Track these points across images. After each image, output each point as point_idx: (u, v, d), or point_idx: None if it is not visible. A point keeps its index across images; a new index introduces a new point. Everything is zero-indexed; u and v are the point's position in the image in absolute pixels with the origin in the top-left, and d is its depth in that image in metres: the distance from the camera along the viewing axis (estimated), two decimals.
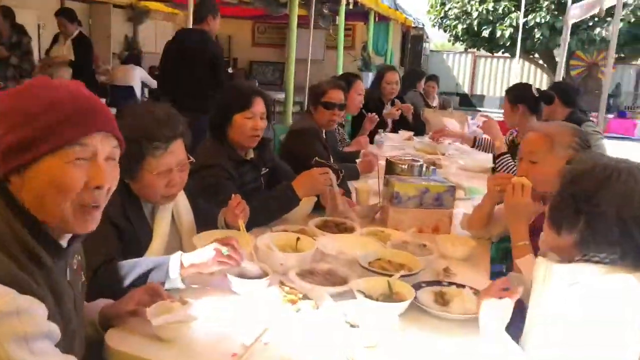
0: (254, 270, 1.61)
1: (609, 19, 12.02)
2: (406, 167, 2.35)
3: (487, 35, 12.53)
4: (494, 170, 3.64)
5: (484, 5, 12.42)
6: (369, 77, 10.62)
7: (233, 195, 1.87)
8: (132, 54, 8.54)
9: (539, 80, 17.48)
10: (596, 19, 11.84)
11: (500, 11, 12.31)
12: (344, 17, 8.41)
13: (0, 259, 0.93)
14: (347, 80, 3.37)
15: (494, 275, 1.86)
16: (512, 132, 4.30)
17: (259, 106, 2.31)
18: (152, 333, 1.31)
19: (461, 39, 13.22)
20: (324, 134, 3.12)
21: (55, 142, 0.99)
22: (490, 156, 4.06)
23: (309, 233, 2.04)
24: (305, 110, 3.18)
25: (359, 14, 10.22)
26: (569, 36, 6.85)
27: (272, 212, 2.12)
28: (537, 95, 3.24)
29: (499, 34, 12.34)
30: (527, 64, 15.37)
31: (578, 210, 1.23)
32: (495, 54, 14.83)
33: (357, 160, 3.21)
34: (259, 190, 2.45)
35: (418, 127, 4.82)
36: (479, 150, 3.93)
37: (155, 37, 10.74)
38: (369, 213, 2.34)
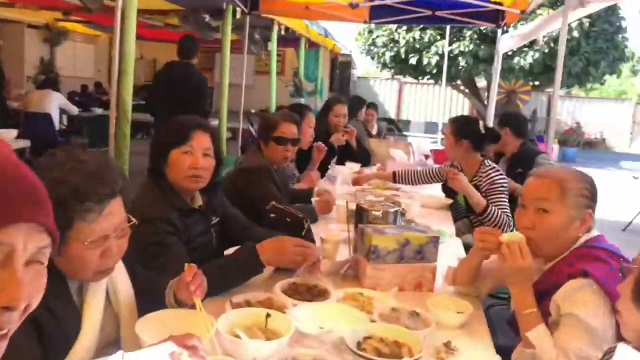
0: None
1: (525, 49, 12.71)
2: (380, 214, 2.05)
3: (414, 63, 12.76)
4: (453, 206, 3.45)
5: (411, 34, 12.67)
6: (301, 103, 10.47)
7: (186, 265, 1.47)
8: (48, 78, 7.80)
9: (462, 106, 18.17)
10: (514, 49, 12.44)
11: (426, 40, 12.60)
12: (276, 42, 8.18)
13: None
14: (299, 112, 3.05)
15: (503, 351, 1.58)
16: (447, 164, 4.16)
17: (200, 140, 1.93)
18: None
19: (389, 66, 13.39)
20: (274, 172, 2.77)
21: None
22: (434, 187, 3.88)
23: (276, 302, 1.67)
24: (254, 145, 2.83)
25: (290, 40, 10.07)
26: (500, 64, 6.96)
27: (229, 281, 1.73)
28: (483, 132, 3.10)
29: (425, 61, 12.60)
30: (451, 90, 15.87)
31: None
32: (420, 81, 15.19)
33: (313, 200, 2.88)
34: (210, 244, 2.06)
35: (363, 157, 4.58)
36: (401, 183, 3.69)
37: (74, 59, 9.98)
38: (339, 269, 2.01)
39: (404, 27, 12.65)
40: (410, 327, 1.55)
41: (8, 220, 0.64)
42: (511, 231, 2.94)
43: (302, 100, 10.24)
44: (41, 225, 0.68)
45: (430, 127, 16.64)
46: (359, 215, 2.09)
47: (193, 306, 1.49)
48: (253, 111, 7.36)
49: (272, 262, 1.78)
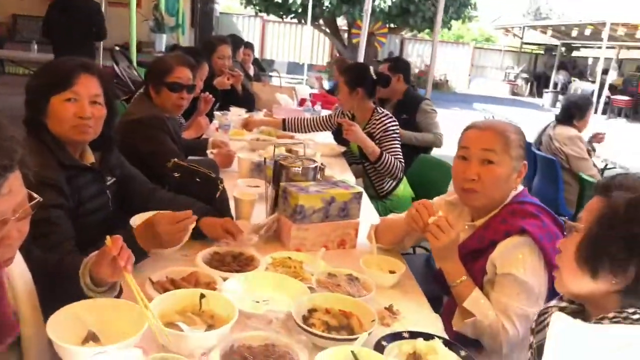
0: None
1: None
2: (300, 170, 1.91)
3: (279, 1, 12.38)
4: (345, 154, 3.43)
5: None
6: (163, 39, 9.61)
7: (109, 238, 1.22)
8: None
9: (323, 46, 18.27)
10: None
11: None
12: None
13: None
14: (194, 59, 2.68)
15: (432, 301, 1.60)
16: (336, 107, 4.14)
17: (86, 85, 1.59)
18: None
19: (253, 2, 12.84)
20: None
21: None
22: (327, 134, 3.84)
23: (203, 278, 1.49)
24: (141, 92, 2.46)
25: None
26: (370, 7, 6.97)
27: None
28: (375, 78, 3.09)
29: (291, 0, 12.29)
30: (313, 30, 15.80)
31: (633, 252, 1.00)
32: (285, 20, 14.86)
33: (209, 152, 2.64)
34: (106, 208, 1.76)
35: (248, 101, 4.35)
36: (291, 131, 3.63)
37: None
38: (257, 231, 1.86)
39: None
40: (352, 294, 1.49)
41: None
42: (401, 177, 3.05)
43: (164, 36, 9.42)
44: None
45: (293, 68, 16.54)
46: (277, 172, 1.93)
47: (111, 288, 1.27)
48: (117, 48, 6.53)
49: (152, 246, 1.51)
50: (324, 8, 12.50)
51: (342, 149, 3.39)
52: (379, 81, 3.17)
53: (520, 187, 1.66)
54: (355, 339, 1.22)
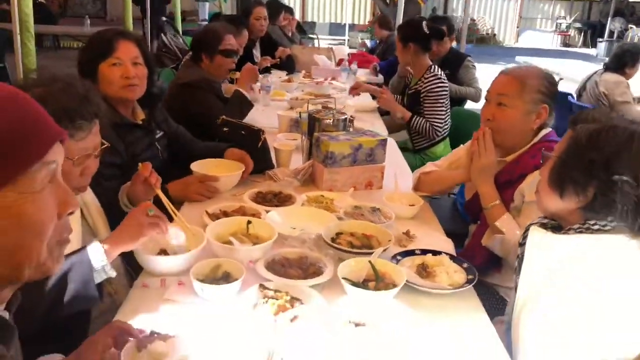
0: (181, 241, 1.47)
1: None
2: (331, 122, 2.17)
3: None
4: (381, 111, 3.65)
5: None
6: (206, 7, 9.91)
7: (141, 164, 1.55)
8: None
9: (365, 6, 18.05)
10: None
11: None
12: None
13: None
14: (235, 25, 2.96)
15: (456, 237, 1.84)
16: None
17: (126, 50, 1.90)
18: None
19: None
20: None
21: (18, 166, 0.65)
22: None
23: (249, 210, 1.80)
24: (189, 58, 2.76)
25: None
26: None
27: None
28: (427, 33, 3.24)
29: None
30: None
31: (591, 175, 1.18)
32: None
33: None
34: (157, 158, 2.08)
35: (288, 64, 4.59)
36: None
37: None
38: (296, 175, 2.15)
39: None
40: (374, 221, 1.75)
41: (52, 141, 0.70)
42: (438, 138, 3.26)
43: (207, 5, 9.71)
44: (62, 143, 0.74)
45: (335, 29, 16.51)
46: (312, 124, 2.20)
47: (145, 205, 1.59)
48: (164, 18, 6.87)
49: (179, 196, 1.87)
50: None
51: (376, 105, 3.59)
52: (433, 35, 3.32)
53: (549, 129, 1.84)
54: (372, 252, 1.49)
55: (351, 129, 2.30)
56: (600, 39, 19.23)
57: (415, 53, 3.24)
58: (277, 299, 1.29)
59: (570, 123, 1.31)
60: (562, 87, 7.30)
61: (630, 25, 19.30)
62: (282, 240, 1.60)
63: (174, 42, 5.52)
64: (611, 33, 19.51)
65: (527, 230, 1.45)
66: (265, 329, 1.20)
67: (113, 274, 1.28)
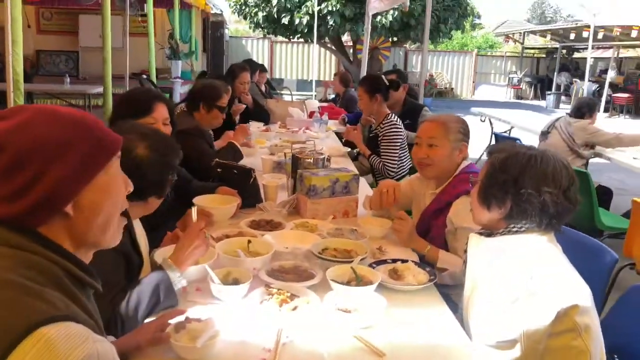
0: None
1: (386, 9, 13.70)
2: (312, 160, 2.56)
3: (286, 22, 13.16)
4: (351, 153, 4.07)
5: None
6: (179, 65, 10.38)
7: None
8: None
9: (329, 63, 18.98)
10: None
11: (296, 0, 13.04)
12: (152, 3, 8.07)
13: (59, 297, 0.85)
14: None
15: None
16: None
17: (161, 111, 2.26)
18: (177, 356, 1.32)
19: (262, 25, 13.64)
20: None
21: (103, 156, 0.96)
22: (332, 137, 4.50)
23: (247, 234, 2.13)
24: (182, 108, 3.14)
25: (161, 0, 9.89)
26: (370, 25, 7.66)
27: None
28: (387, 84, 3.73)
29: (297, 21, 13.07)
30: (319, 48, 16.58)
31: (506, 192, 1.54)
32: (291, 40, 15.63)
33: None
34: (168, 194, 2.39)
35: (263, 116, 5.02)
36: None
37: None
38: (283, 207, 2.50)
39: None
40: (352, 239, 2.11)
41: (120, 141, 1.00)
42: (392, 176, 3.70)
43: (180, 62, 10.18)
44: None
45: (302, 85, 17.25)
46: (295, 163, 2.58)
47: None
48: (145, 76, 7.27)
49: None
50: (329, 27, 13.22)
51: (347, 149, 4.02)
52: (391, 86, 3.84)
53: (467, 162, 2.28)
54: (352, 260, 1.84)
55: (329, 166, 2.69)
56: (549, 92, 20.62)
57: (380, 103, 3.72)
58: (280, 295, 1.62)
59: (488, 153, 1.69)
60: (514, 134, 7.84)
61: (574, 79, 20.81)
62: (277, 255, 1.93)
63: None
64: (558, 86, 20.99)
65: (468, 240, 1.81)
66: (274, 315, 1.52)
67: (186, 283, 1.60)
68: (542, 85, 22.87)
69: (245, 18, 13.90)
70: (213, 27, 14.05)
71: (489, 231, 1.72)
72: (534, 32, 22.63)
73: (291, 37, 14.54)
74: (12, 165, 0.86)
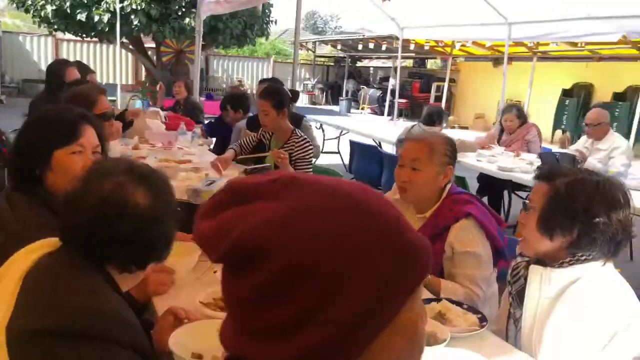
0: None
1: (194, 10, 13.07)
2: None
3: (82, 19, 11.59)
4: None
5: None
6: None
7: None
8: None
9: (132, 65, 17.44)
10: (184, 9, 12.67)
11: None
12: None
13: None
14: None
15: None
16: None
17: (89, 137, 1.62)
18: None
19: (51, 21, 11.78)
20: None
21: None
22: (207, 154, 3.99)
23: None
24: None
25: None
26: (202, 27, 7.14)
27: None
28: (291, 97, 3.39)
29: (96, 18, 11.61)
30: (114, 48, 15.07)
31: (575, 220, 1.44)
32: (84, 39, 13.89)
33: None
34: None
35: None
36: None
37: None
38: None
39: None
40: None
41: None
42: None
43: None
44: None
45: (108, 88, 15.50)
46: None
47: None
48: None
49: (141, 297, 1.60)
50: (133, 27, 12.07)
51: (241, 167, 3.57)
52: (292, 98, 3.41)
53: (450, 183, 2.10)
54: None
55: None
56: (341, 98, 22.27)
57: (285, 117, 3.31)
58: None
59: (542, 177, 1.57)
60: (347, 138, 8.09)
61: (361, 86, 22.85)
62: None
63: None
64: (347, 92, 22.81)
65: (514, 270, 1.67)
66: None
67: None
68: (332, 91, 24.54)
69: (27, 11, 11.80)
70: None
71: (538, 261, 1.60)
72: (325, 42, 24.20)
73: (85, 35, 12.89)
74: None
